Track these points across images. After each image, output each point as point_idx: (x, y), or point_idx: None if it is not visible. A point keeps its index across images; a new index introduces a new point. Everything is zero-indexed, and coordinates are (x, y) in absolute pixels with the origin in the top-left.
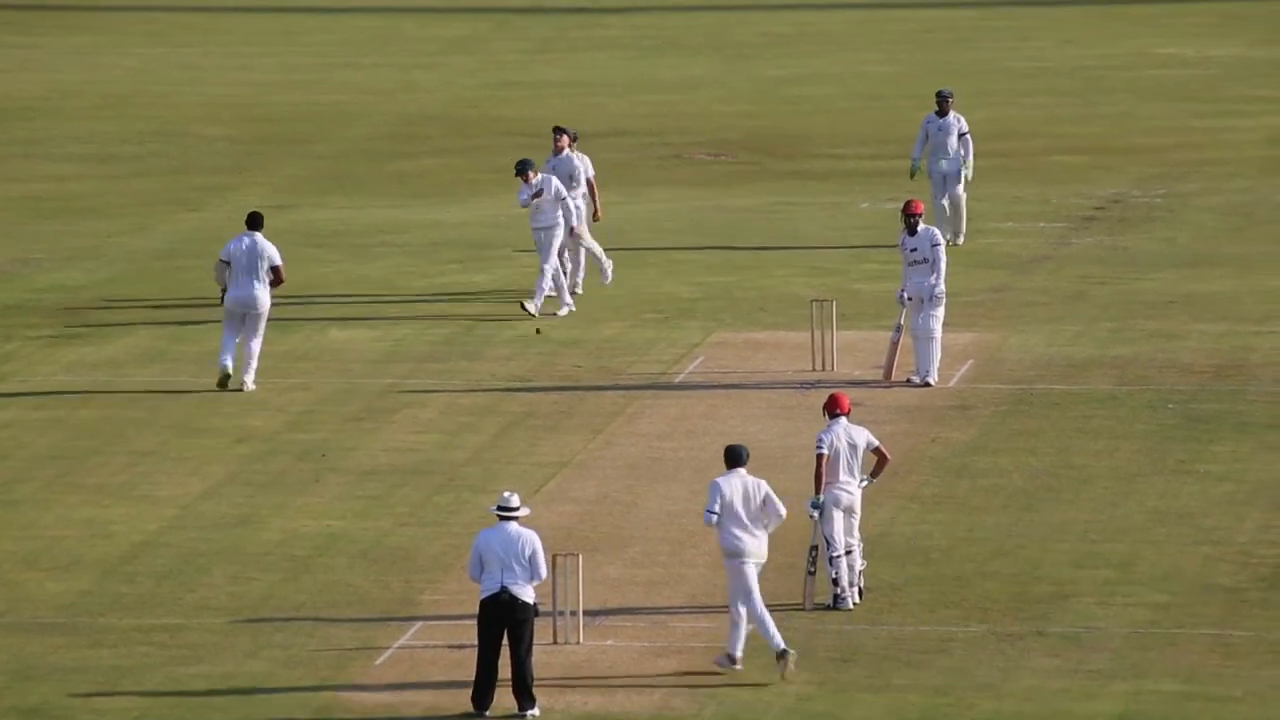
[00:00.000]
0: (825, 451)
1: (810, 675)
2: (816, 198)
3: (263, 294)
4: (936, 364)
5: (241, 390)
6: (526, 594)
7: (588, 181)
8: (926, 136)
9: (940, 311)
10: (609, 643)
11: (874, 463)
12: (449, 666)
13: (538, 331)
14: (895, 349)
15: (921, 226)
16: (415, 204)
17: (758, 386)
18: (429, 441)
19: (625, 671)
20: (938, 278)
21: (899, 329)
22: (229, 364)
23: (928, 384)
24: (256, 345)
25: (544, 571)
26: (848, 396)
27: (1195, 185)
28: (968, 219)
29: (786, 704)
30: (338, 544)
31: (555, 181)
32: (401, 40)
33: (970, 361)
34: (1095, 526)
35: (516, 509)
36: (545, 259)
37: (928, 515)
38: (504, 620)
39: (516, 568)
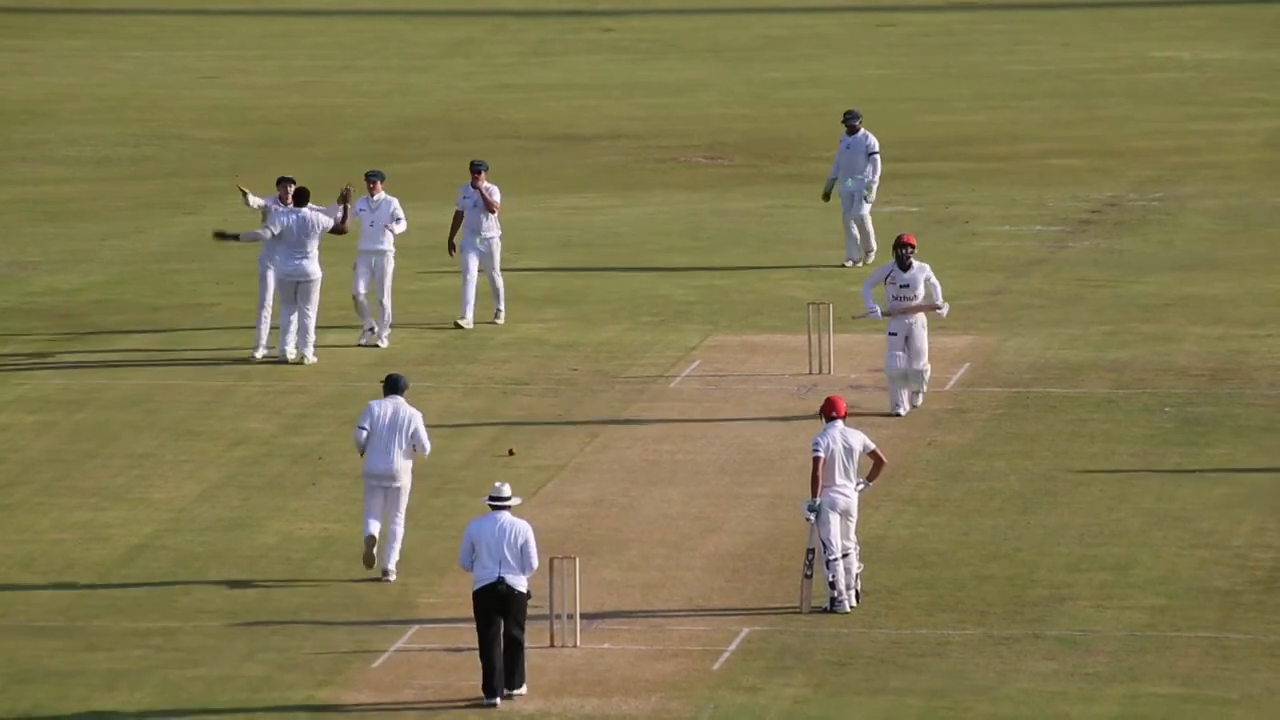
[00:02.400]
0: (821, 455)
1: (807, 678)
2: (813, 201)
3: (314, 266)
4: (920, 395)
5: (302, 363)
6: (521, 584)
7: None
8: (840, 156)
9: (926, 352)
10: (606, 646)
11: (870, 466)
12: (445, 670)
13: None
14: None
15: (914, 262)
16: (411, 206)
17: (754, 389)
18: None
19: (622, 675)
20: (939, 298)
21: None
22: (264, 346)
23: (909, 405)
24: (311, 317)
25: (535, 562)
26: (844, 400)
27: (1192, 188)
28: (875, 235)
29: (783, 707)
30: (334, 547)
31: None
32: (398, 43)
33: (967, 364)
34: (1092, 529)
35: (508, 498)
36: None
37: (924, 518)
38: (500, 608)
39: (510, 557)
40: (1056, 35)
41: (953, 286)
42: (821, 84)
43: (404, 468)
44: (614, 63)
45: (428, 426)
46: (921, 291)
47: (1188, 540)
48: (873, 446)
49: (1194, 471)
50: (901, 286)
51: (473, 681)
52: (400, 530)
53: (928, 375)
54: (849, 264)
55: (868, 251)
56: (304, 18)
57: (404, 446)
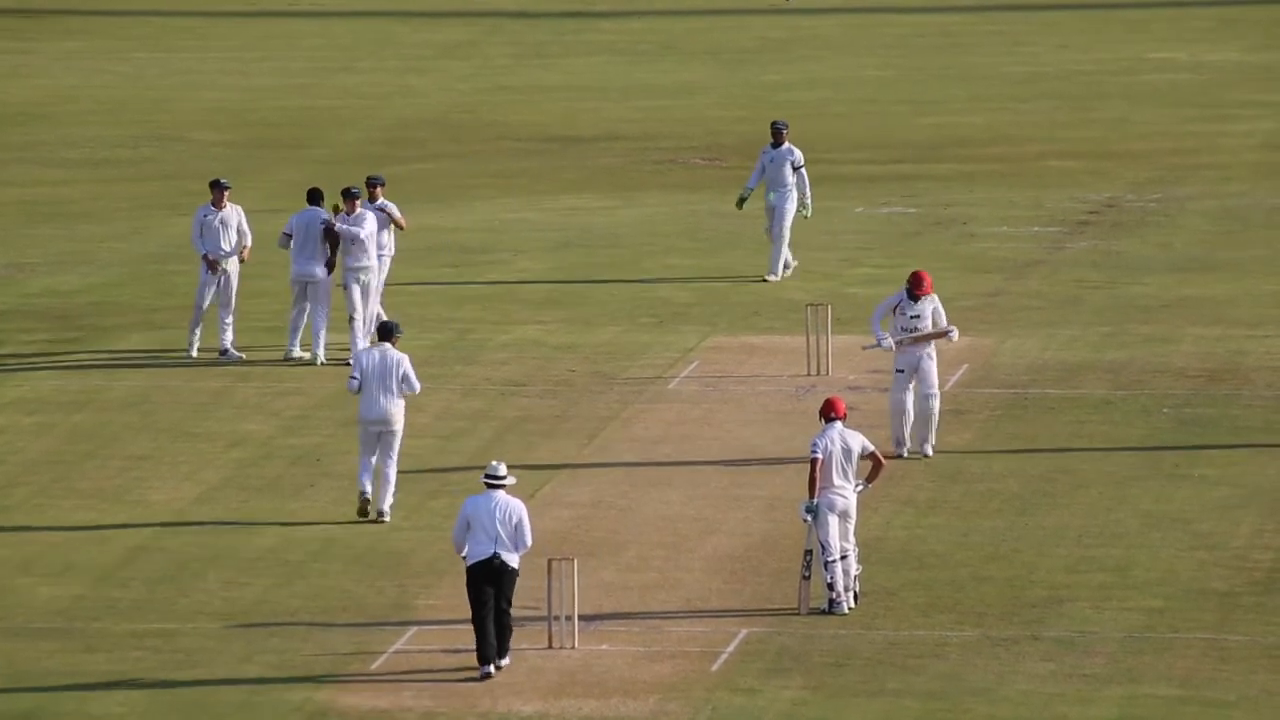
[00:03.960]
0: (819, 456)
1: (805, 680)
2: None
3: (321, 269)
4: (932, 433)
5: (315, 364)
6: (514, 560)
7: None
8: (763, 168)
9: (936, 386)
10: (604, 648)
11: (869, 468)
12: (444, 671)
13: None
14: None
15: (926, 295)
16: (409, 208)
17: (753, 391)
18: (424, 446)
19: (620, 676)
20: (952, 332)
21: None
22: (296, 348)
23: (919, 449)
24: (322, 319)
25: (529, 540)
26: (843, 401)
27: (1190, 190)
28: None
29: (781, 709)
30: (332, 549)
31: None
32: (396, 45)
33: (965, 366)
34: (1090, 531)
35: (504, 477)
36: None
37: (923, 520)
38: (493, 583)
39: (504, 535)
40: (1054, 37)
41: (951, 288)
42: (819, 86)
43: (396, 412)
44: (612, 64)
45: (424, 429)
46: (929, 322)
47: (1186, 542)
48: (871, 448)
49: (1192, 473)
50: (911, 317)
51: (471, 683)
52: (393, 473)
53: (937, 409)
54: (770, 278)
55: (778, 263)
56: (302, 19)
57: (394, 391)
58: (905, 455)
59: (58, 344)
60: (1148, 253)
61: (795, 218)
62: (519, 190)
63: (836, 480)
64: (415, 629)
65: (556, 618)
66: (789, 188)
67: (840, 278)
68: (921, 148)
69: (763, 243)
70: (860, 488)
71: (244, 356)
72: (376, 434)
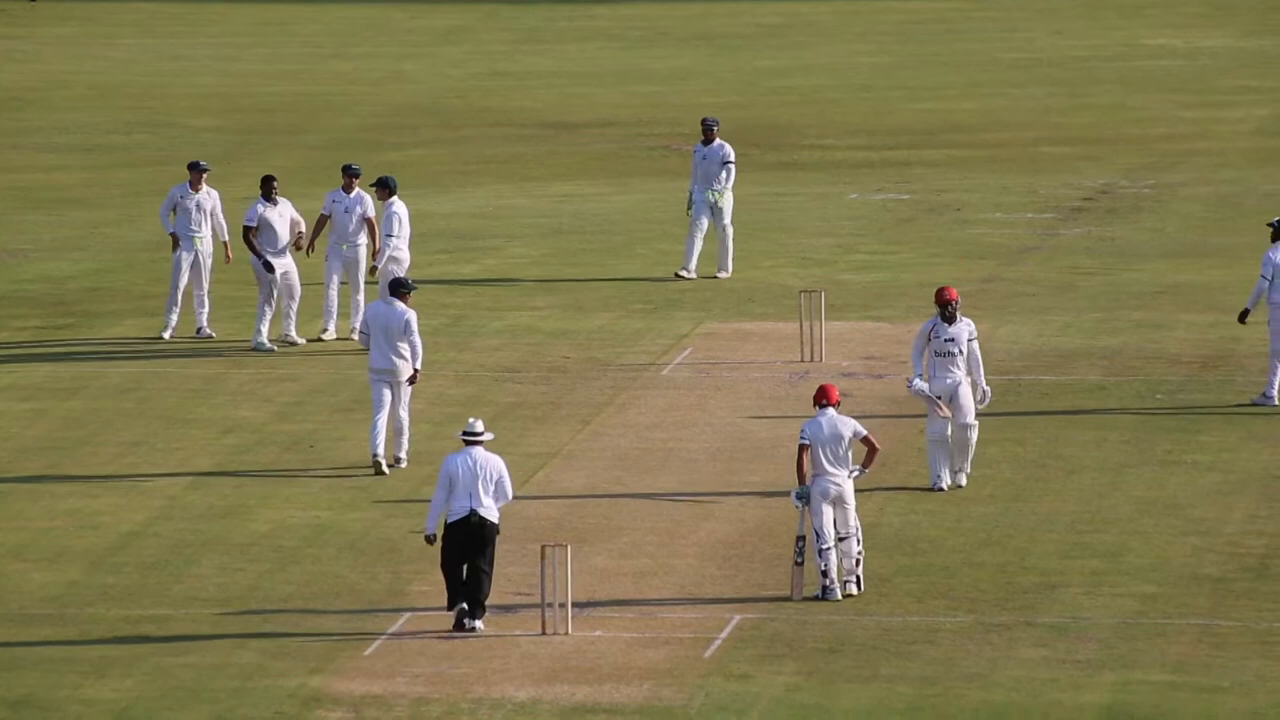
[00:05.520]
0: (806, 442)
1: (798, 666)
2: (805, 188)
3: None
4: (968, 461)
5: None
6: (493, 515)
7: (368, 221)
8: (696, 166)
9: (972, 411)
10: (597, 634)
11: (865, 453)
12: (437, 657)
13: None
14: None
15: (961, 317)
16: (403, 194)
17: (746, 377)
18: (417, 432)
19: (613, 662)
20: (979, 374)
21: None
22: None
23: (950, 480)
24: (292, 303)
25: (510, 493)
26: (836, 388)
27: (1184, 176)
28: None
29: (775, 694)
30: (325, 535)
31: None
32: (390, 31)
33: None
34: (1083, 517)
35: (482, 434)
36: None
37: (916, 505)
38: (471, 540)
39: (483, 491)
40: (1048, 23)
41: (945, 274)
42: (813, 72)
43: (403, 364)
44: (606, 51)
45: (418, 415)
46: (965, 349)
47: (1179, 527)
48: (864, 432)
49: (1185, 459)
50: (946, 340)
51: (464, 669)
52: (406, 421)
53: (974, 438)
54: (721, 275)
55: (722, 268)
56: (296, 5)
57: (399, 344)
58: (945, 489)
59: (51, 330)
60: (1141, 239)
61: (703, 201)
62: (513, 176)
63: (827, 467)
64: (408, 615)
65: (550, 604)
66: (719, 182)
67: (834, 264)
68: (916, 134)
69: (756, 229)
70: (855, 473)
71: (214, 335)
72: (386, 383)
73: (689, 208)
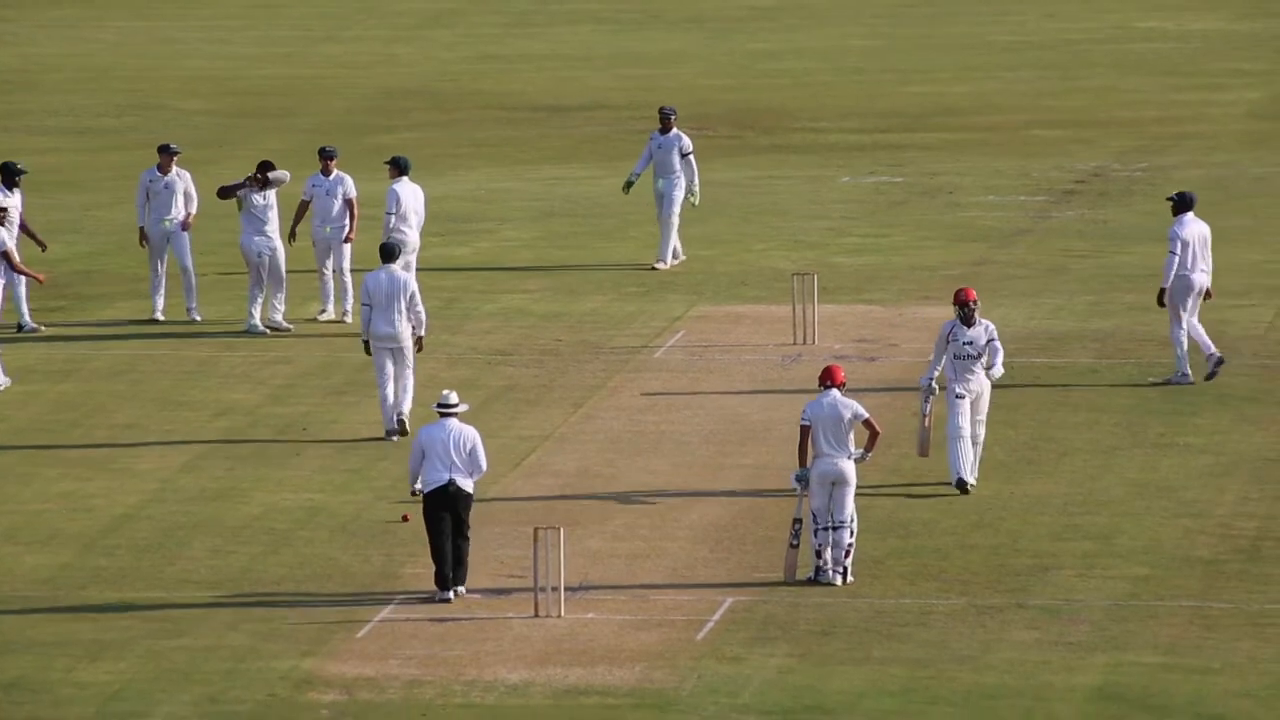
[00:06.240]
0: (806, 423)
1: (791, 648)
2: (798, 171)
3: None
4: (977, 463)
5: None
6: (468, 485)
7: (348, 202)
8: (650, 154)
9: (986, 416)
10: (590, 616)
11: (868, 437)
12: (430, 640)
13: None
14: (926, 423)
15: (980, 319)
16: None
17: (739, 360)
18: (411, 415)
19: (606, 645)
20: (996, 368)
21: (928, 412)
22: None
23: (968, 487)
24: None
25: (484, 464)
26: (842, 369)
27: (1176, 159)
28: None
29: (767, 677)
30: (318, 517)
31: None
32: (381, 14)
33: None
34: (1075, 499)
35: (455, 405)
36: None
37: (908, 488)
38: (449, 509)
39: (458, 461)
40: (1040, 6)
41: (937, 257)
42: (805, 55)
43: (405, 329)
44: (597, 34)
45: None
46: (983, 348)
47: (1171, 510)
48: (865, 415)
49: (1177, 441)
50: (965, 344)
51: (457, 651)
52: (410, 382)
53: (982, 437)
54: (659, 266)
55: (661, 256)
56: None
57: (403, 310)
58: (971, 486)
59: (43, 313)
60: (1134, 222)
61: (684, 205)
62: (504, 159)
63: (825, 448)
64: (401, 598)
65: (543, 588)
66: (677, 174)
67: (826, 247)
68: (908, 117)
69: (748, 212)
70: (858, 456)
71: (200, 319)
72: (389, 350)
73: (626, 188)
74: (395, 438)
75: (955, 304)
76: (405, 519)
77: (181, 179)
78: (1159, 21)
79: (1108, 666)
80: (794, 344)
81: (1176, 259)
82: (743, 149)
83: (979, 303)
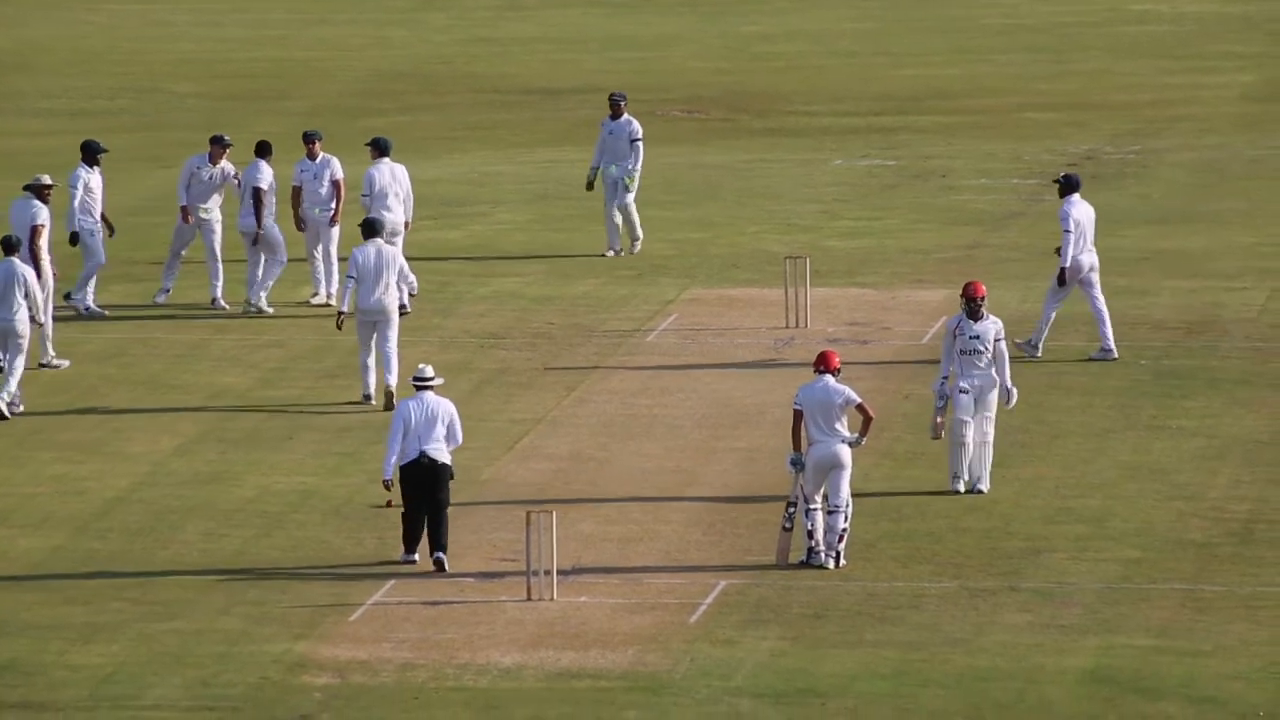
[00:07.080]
0: (799, 407)
1: (784, 631)
2: (791, 154)
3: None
4: (989, 467)
5: (261, 312)
6: (444, 457)
7: (336, 184)
8: (603, 142)
9: (995, 413)
10: (582, 599)
11: (861, 422)
12: (423, 623)
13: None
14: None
15: (988, 314)
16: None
17: (731, 343)
18: (401, 398)
19: (599, 628)
20: (1003, 375)
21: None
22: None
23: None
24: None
25: (461, 436)
26: (837, 354)
27: (1168, 142)
28: (640, 224)
29: (759, 660)
30: (311, 501)
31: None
32: None
33: (944, 318)
34: (1067, 482)
35: (432, 379)
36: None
37: (901, 471)
38: (425, 482)
39: (434, 434)
40: None
41: (930, 240)
42: (798, 38)
43: (391, 302)
44: (590, 16)
45: (403, 381)
46: (991, 348)
47: (1163, 493)
48: (857, 400)
49: (1169, 424)
50: (971, 338)
51: (450, 635)
52: (393, 353)
53: (991, 436)
54: (609, 254)
55: (634, 240)
56: None
57: (391, 284)
58: (961, 490)
59: None
60: (1126, 204)
61: (610, 178)
62: (497, 142)
63: (816, 434)
64: (394, 581)
65: (535, 570)
66: (628, 161)
67: (819, 230)
68: (901, 100)
69: (741, 195)
70: (853, 440)
71: (228, 308)
72: (373, 323)
73: (589, 186)
74: (373, 402)
75: (963, 297)
76: (390, 504)
77: (226, 172)
78: (1152, 4)
79: (1100, 649)
80: (786, 327)
81: (1072, 237)
82: (735, 132)
83: (986, 298)
